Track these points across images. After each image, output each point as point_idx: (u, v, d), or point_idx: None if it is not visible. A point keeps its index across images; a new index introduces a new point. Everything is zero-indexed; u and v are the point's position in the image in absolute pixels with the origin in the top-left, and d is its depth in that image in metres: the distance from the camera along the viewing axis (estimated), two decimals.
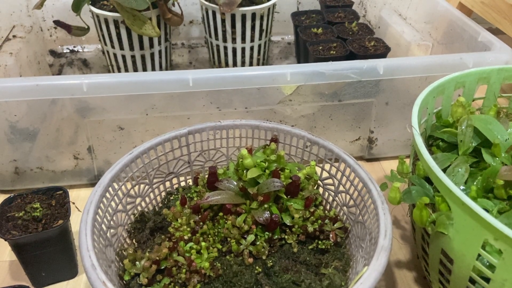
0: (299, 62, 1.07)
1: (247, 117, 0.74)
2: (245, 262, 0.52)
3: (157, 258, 0.50)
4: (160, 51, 0.96)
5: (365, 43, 0.93)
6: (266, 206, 0.54)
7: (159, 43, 0.94)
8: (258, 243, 0.53)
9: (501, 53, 0.74)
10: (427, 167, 0.47)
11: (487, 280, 0.43)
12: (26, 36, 0.96)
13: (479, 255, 0.43)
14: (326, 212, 0.61)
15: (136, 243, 0.58)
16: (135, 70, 0.96)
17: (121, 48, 0.92)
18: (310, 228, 0.55)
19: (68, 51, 1.12)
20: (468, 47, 0.82)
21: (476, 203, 0.42)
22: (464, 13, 0.87)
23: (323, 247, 0.55)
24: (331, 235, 0.55)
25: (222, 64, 1.01)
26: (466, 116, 0.54)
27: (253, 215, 0.54)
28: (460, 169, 0.50)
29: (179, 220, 0.55)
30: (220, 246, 0.53)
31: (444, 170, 0.50)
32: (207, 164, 0.67)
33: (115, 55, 0.94)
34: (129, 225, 0.59)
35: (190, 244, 0.52)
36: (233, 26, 0.94)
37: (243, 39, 0.96)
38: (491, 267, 0.42)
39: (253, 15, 0.93)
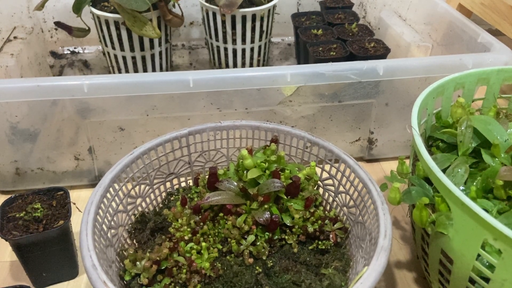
0: (299, 63, 1.07)
1: (247, 118, 0.74)
2: (245, 262, 0.52)
3: (158, 258, 0.50)
4: (160, 52, 0.96)
5: (365, 44, 0.94)
6: (266, 206, 0.54)
7: (160, 44, 0.94)
8: (258, 243, 0.53)
9: (501, 54, 0.74)
10: (427, 167, 0.47)
11: (487, 280, 0.44)
12: (27, 37, 0.97)
13: (478, 255, 0.43)
14: (326, 212, 0.61)
15: (136, 244, 0.58)
16: (136, 71, 0.96)
17: (122, 49, 0.93)
18: (310, 229, 0.55)
19: (69, 52, 1.12)
20: (468, 48, 0.82)
21: (476, 203, 0.42)
22: (463, 14, 0.87)
23: (323, 247, 0.55)
24: (331, 236, 0.56)
25: (223, 65, 1.02)
26: (465, 117, 0.55)
27: (253, 215, 0.54)
28: (459, 170, 0.50)
29: (180, 221, 0.55)
30: (220, 247, 0.53)
31: (444, 171, 0.50)
32: (207, 164, 0.67)
33: (115, 56, 0.95)
34: (130, 225, 0.59)
35: (191, 244, 0.52)
36: (233, 27, 0.94)
37: (243, 40, 0.96)
38: (491, 267, 0.42)
39: (253, 17, 0.93)
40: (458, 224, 0.44)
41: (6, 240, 0.55)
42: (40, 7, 0.88)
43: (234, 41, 0.96)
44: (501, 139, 0.52)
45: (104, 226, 0.53)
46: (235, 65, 1.01)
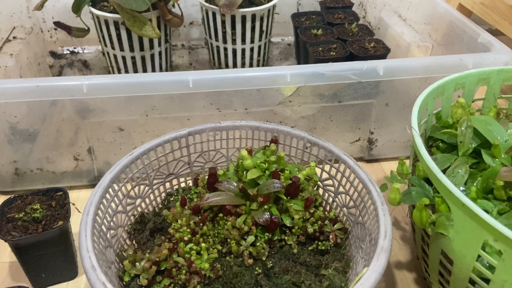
0: (299, 63, 1.07)
1: (247, 118, 0.74)
2: (245, 263, 0.52)
3: (157, 259, 0.50)
4: (160, 52, 0.96)
5: (365, 44, 0.94)
6: (266, 207, 0.54)
7: (159, 44, 0.94)
8: (258, 244, 0.53)
9: (501, 54, 0.74)
10: (427, 168, 0.47)
11: (487, 281, 0.43)
12: (26, 37, 0.96)
13: (479, 256, 0.43)
14: (326, 213, 0.61)
15: (136, 244, 0.58)
16: (135, 71, 0.96)
17: (121, 49, 0.92)
18: (310, 229, 0.55)
19: (68, 52, 1.12)
20: (468, 48, 0.82)
21: (476, 204, 0.42)
22: (464, 14, 0.87)
23: (323, 248, 0.55)
24: (331, 236, 0.55)
25: (222, 65, 1.02)
26: (466, 117, 0.54)
27: (253, 216, 0.54)
28: (460, 170, 0.50)
29: (179, 221, 0.55)
30: (220, 247, 0.53)
31: (444, 171, 0.50)
32: (207, 165, 0.67)
33: (115, 56, 0.95)
34: (129, 226, 0.59)
35: (190, 245, 0.52)
36: (233, 27, 0.94)
37: (243, 40, 0.96)
38: (491, 268, 0.42)
39: (253, 16, 0.93)
40: (458, 225, 0.44)
41: (5, 241, 0.55)
42: (40, 7, 0.87)
43: (234, 41, 0.96)
44: (501, 139, 0.51)
45: (103, 226, 0.53)
46: (235, 65, 1.00)
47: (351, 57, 0.90)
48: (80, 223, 0.49)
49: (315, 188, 0.61)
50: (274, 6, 0.97)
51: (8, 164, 0.72)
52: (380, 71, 0.71)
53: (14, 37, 0.95)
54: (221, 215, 0.55)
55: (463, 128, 0.53)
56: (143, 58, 0.94)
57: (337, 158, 0.60)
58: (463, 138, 0.53)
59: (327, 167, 0.62)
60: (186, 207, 0.57)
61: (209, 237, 0.54)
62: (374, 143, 0.81)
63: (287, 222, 0.55)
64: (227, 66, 1.01)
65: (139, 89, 0.67)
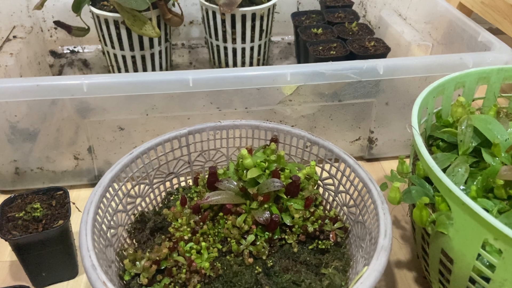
0: (299, 62, 1.07)
1: (247, 117, 0.74)
2: (245, 262, 0.52)
3: (157, 258, 0.50)
4: (160, 52, 0.96)
5: (365, 43, 0.93)
6: (266, 206, 0.54)
7: (159, 44, 0.94)
8: (258, 243, 0.53)
9: (501, 53, 0.74)
10: (427, 167, 0.47)
11: (487, 279, 0.43)
12: (27, 36, 0.96)
13: (479, 254, 0.43)
14: (326, 212, 0.61)
15: (136, 243, 0.58)
16: (135, 70, 0.96)
17: (121, 48, 0.92)
18: (310, 228, 0.55)
19: (69, 51, 1.12)
20: (468, 47, 0.82)
21: (476, 203, 0.42)
22: (464, 13, 0.87)
23: (323, 247, 0.55)
24: (331, 235, 0.56)
25: (222, 64, 1.01)
26: (466, 116, 0.54)
27: (253, 215, 0.54)
28: (460, 169, 0.50)
29: (179, 220, 0.55)
30: (220, 246, 0.53)
31: (444, 170, 0.50)
32: (207, 164, 0.67)
33: (115, 55, 0.95)
34: (129, 225, 0.59)
35: (190, 244, 0.52)
36: (233, 26, 0.94)
37: (243, 40, 0.96)
38: (491, 266, 0.42)
39: (253, 16, 0.93)
40: (458, 224, 0.44)
41: (6, 240, 0.55)
42: (40, 6, 0.87)
43: (234, 40, 0.96)
44: (501, 138, 0.51)
45: (103, 226, 0.53)
46: (235, 64, 1.00)
47: (351, 56, 0.90)
48: (80, 222, 0.49)
49: (315, 187, 0.61)
50: (274, 5, 0.97)
51: (8, 163, 0.72)
52: (380, 70, 0.71)
53: (14, 36, 0.95)
54: (221, 214, 0.55)
55: (463, 127, 0.53)
56: (143, 57, 0.94)
57: (337, 157, 0.60)
58: (463, 137, 0.53)
59: (327, 166, 0.62)
60: (186, 206, 0.57)
61: (209, 236, 0.54)
62: (374, 142, 0.81)
63: (287, 221, 0.55)
64: (227, 65, 1.01)
65: (139, 88, 0.67)
